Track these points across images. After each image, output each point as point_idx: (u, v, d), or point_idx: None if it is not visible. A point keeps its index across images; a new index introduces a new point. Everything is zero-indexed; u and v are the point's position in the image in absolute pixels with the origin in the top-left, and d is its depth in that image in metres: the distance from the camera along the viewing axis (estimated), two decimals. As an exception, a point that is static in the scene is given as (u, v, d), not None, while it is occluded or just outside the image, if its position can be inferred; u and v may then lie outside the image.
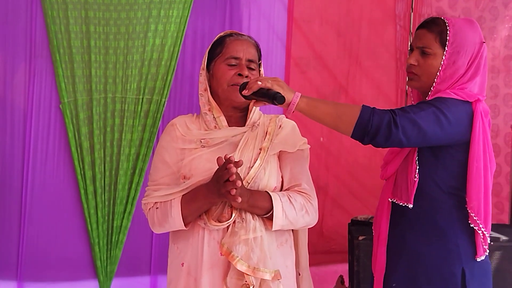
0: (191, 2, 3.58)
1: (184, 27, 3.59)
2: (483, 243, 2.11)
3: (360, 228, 3.42)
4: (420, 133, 2.00)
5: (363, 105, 2.01)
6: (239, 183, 1.94)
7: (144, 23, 3.53)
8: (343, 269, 3.70)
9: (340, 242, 3.96)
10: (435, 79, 2.13)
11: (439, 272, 2.10)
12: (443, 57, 2.12)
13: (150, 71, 3.57)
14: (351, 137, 2.02)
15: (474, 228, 2.09)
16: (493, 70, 4.11)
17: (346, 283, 3.63)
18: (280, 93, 1.95)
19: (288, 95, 1.96)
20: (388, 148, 2.26)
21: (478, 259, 2.11)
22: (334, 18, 4.12)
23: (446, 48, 2.12)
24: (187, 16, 3.59)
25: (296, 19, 4.00)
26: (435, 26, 2.14)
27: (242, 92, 2.02)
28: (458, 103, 2.07)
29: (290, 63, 4.01)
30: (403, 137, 1.98)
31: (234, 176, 1.93)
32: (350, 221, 3.64)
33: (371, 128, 1.97)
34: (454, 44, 2.11)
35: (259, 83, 1.97)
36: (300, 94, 1.97)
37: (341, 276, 3.69)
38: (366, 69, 4.19)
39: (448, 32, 2.12)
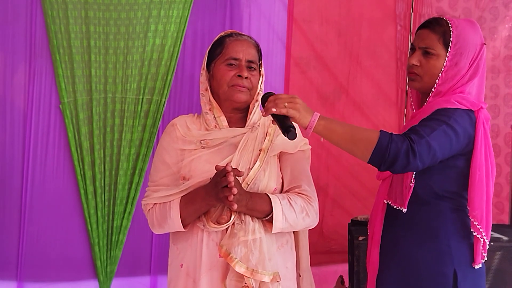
0: (191, 2, 3.58)
1: (184, 27, 3.59)
2: (483, 251, 2.10)
3: (360, 228, 3.42)
4: (434, 157, 1.99)
5: (381, 131, 1.96)
6: (235, 190, 1.93)
7: (144, 23, 3.53)
8: (343, 269, 3.70)
9: (340, 242, 3.95)
10: (437, 80, 2.12)
11: (429, 273, 2.09)
12: (446, 58, 2.11)
13: (150, 71, 3.56)
14: (368, 163, 1.98)
15: (477, 236, 2.08)
16: (493, 70, 4.10)
17: (346, 283, 3.63)
18: (293, 128, 1.90)
19: (304, 119, 1.91)
20: None
21: (476, 267, 2.10)
22: (335, 18, 4.11)
23: (449, 49, 2.11)
24: (187, 16, 3.59)
25: (296, 19, 3.99)
26: (438, 27, 2.14)
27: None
28: (463, 114, 2.05)
29: (290, 63, 4.01)
30: (420, 164, 1.96)
31: (232, 183, 1.93)
32: (350, 221, 3.64)
33: (389, 156, 1.92)
34: (457, 45, 2.11)
35: (273, 110, 1.91)
36: (318, 115, 1.92)
37: (341, 276, 3.69)
38: (367, 69, 4.18)
39: (451, 33, 2.11)
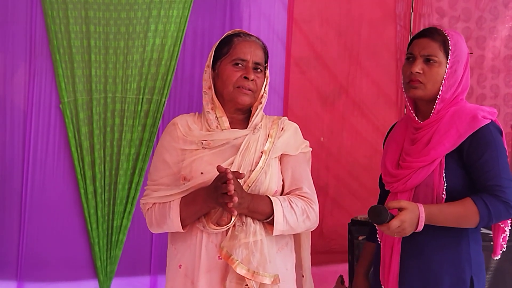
0: (191, 2, 3.58)
1: (184, 27, 3.59)
2: (503, 242, 2.23)
3: (360, 228, 3.42)
4: None
5: (477, 206, 2.06)
6: (236, 199, 1.92)
7: (144, 23, 3.53)
8: (343, 269, 3.70)
9: (340, 242, 3.95)
10: (441, 87, 2.17)
11: (449, 278, 2.13)
12: (447, 65, 2.18)
13: (150, 71, 3.56)
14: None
15: (505, 228, 2.19)
16: (493, 70, 4.11)
17: (346, 283, 3.63)
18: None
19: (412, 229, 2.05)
20: (389, 162, 2.28)
21: (496, 258, 2.24)
22: (334, 18, 4.11)
23: (449, 57, 2.18)
24: (187, 16, 3.59)
25: (296, 19, 3.98)
26: (438, 36, 2.20)
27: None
28: (497, 133, 2.15)
29: (290, 63, 4.00)
30: None
31: (232, 192, 1.92)
32: (350, 221, 3.64)
33: (494, 222, 2.12)
34: (455, 53, 2.18)
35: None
36: (423, 223, 2.04)
37: (341, 276, 3.68)
38: (367, 69, 4.18)
39: (449, 41, 2.19)
